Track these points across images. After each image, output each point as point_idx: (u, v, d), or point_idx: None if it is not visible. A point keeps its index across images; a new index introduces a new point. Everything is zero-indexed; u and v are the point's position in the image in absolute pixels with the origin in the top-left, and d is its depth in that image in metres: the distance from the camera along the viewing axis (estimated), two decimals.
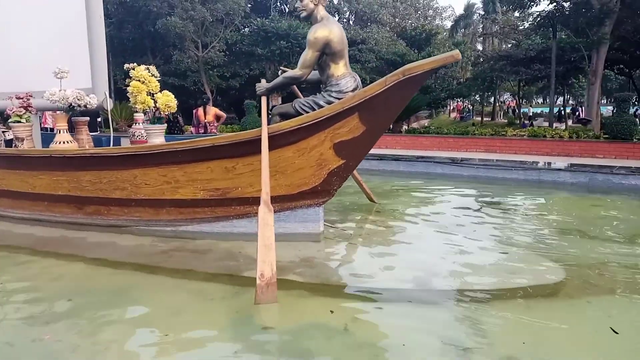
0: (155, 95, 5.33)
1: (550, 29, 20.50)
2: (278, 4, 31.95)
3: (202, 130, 10.18)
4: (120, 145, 6.49)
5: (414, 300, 3.32)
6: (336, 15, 33.15)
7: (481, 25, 44.76)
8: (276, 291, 3.26)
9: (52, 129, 11.53)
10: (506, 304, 3.32)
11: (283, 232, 4.55)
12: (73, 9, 5.83)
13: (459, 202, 7.00)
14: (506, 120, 34.02)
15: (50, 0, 6.00)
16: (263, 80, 4.92)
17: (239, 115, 24.98)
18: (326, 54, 4.39)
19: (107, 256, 4.38)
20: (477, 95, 37.07)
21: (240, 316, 3.09)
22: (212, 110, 10.46)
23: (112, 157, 4.75)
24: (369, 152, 4.76)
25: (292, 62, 22.56)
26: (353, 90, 4.36)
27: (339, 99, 4.29)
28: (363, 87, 4.24)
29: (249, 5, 26.21)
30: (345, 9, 34.23)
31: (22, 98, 5.33)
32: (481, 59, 31.13)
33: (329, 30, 4.32)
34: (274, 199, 3.87)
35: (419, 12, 41.01)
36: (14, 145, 5.50)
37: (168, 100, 5.28)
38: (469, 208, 6.55)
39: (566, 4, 19.79)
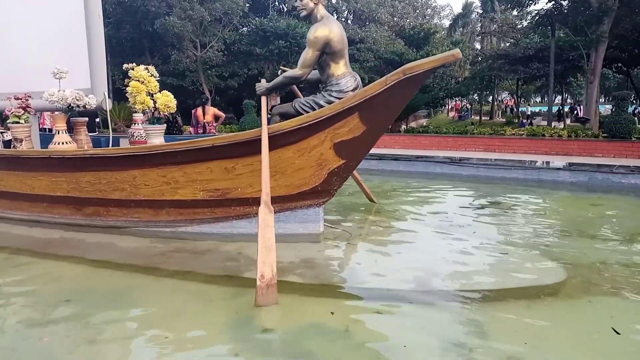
0: (154, 95, 5.31)
1: (549, 27, 20.50)
2: (276, 3, 31.91)
3: (201, 131, 10.17)
4: (119, 145, 6.47)
5: (415, 301, 3.31)
6: (334, 14, 33.08)
7: (479, 24, 44.75)
8: (276, 293, 3.25)
9: (50, 130, 11.51)
10: (507, 304, 3.31)
11: (283, 232, 4.54)
12: (72, 9, 5.81)
13: (459, 202, 6.99)
14: (504, 120, 34.03)
15: (49, 0, 5.98)
16: (263, 80, 4.91)
17: (237, 115, 24.94)
18: (326, 53, 4.38)
19: (106, 257, 4.36)
20: (476, 95, 37.08)
21: (240, 317, 3.07)
22: (211, 110, 10.45)
23: (111, 158, 4.73)
24: (369, 152, 4.75)
25: (291, 61, 22.55)
26: (353, 90, 4.35)
27: (339, 98, 4.28)
28: (363, 87, 4.23)
29: (248, 5, 26.10)
30: (343, 8, 34.16)
31: (20, 99, 5.31)
32: (479, 58, 31.12)
33: (329, 29, 4.31)
34: (274, 200, 3.86)
35: (417, 11, 41.02)
36: (12, 146, 5.48)
37: (167, 101, 5.26)
38: (468, 208, 6.54)
39: (565, 3, 19.80)
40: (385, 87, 3.89)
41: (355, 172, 5.91)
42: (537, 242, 4.78)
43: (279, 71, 5.22)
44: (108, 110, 5.85)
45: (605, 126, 12.96)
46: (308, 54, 4.35)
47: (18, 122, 5.33)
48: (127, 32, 24.94)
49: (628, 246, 4.71)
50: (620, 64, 24.52)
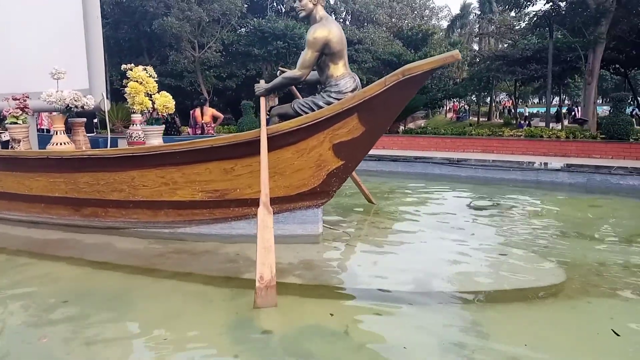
0: (153, 96, 5.30)
1: (547, 28, 20.52)
2: (274, 4, 31.89)
3: (199, 131, 10.17)
4: (117, 146, 6.45)
5: (414, 302, 3.31)
6: (333, 15, 33.10)
7: (477, 25, 44.86)
8: (276, 294, 3.24)
9: (48, 130, 11.47)
10: (507, 306, 3.31)
11: (282, 233, 4.53)
12: (70, 10, 5.79)
13: (458, 203, 6.99)
14: (502, 121, 34.06)
15: (48, 0, 5.96)
16: (262, 81, 4.89)
17: (235, 116, 24.91)
18: (325, 54, 4.37)
19: (105, 258, 4.34)
20: (474, 96, 37.11)
21: (240, 318, 3.06)
22: (209, 111, 10.45)
23: (110, 159, 4.72)
24: (368, 153, 4.74)
25: (289, 62, 22.54)
26: (352, 91, 4.35)
27: (338, 99, 4.27)
28: (362, 88, 4.22)
29: (246, 6, 26.11)
30: (342, 9, 34.20)
31: (18, 99, 5.29)
32: (477, 59, 31.15)
33: (328, 30, 4.31)
34: (273, 201, 3.85)
35: (416, 12, 41.00)
36: (10, 146, 5.46)
37: (166, 101, 5.24)
38: (467, 209, 6.55)
39: (562, 4, 19.85)
40: (385, 88, 3.88)
41: (354, 173, 5.91)
42: (536, 243, 4.78)
43: (278, 72, 5.22)
44: (106, 110, 5.84)
45: (603, 127, 12.97)
46: (307, 55, 4.34)
47: (16, 123, 5.31)
48: (125, 33, 24.93)
49: (627, 247, 4.71)
50: (617, 66, 24.59)
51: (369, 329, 2.98)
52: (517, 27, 28.81)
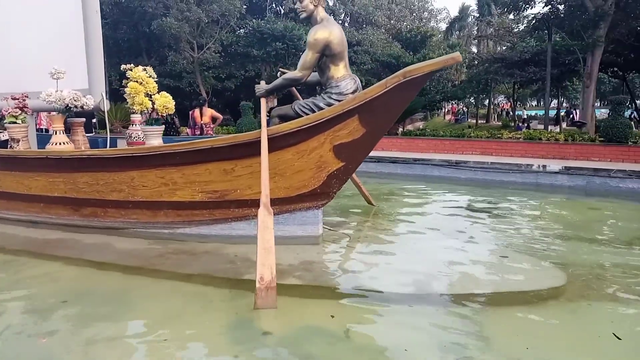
0: (152, 96, 5.29)
1: (545, 31, 20.56)
2: (274, 5, 31.92)
3: (199, 132, 10.17)
4: (116, 146, 6.44)
5: (415, 304, 3.30)
6: (331, 17, 33.05)
7: (476, 28, 44.89)
8: (276, 296, 3.22)
9: (46, 130, 11.45)
10: (507, 308, 3.31)
11: (282, 234, 4.53)
12: (70, 10, 5.78)
13: (457, 205, 6.99)
14: (500, 123, 34.11)
15: (48, 0, 5.95)
16: (262, 82, 4.89)
17: (234, 117, 24.91)
18: (326, 55, 4.37)
19: (104, 258, 4.33)
20: (472, 98, 37.16)
21: (240, 319, 3.05)
22: (209, 112, 10.45)
23: (109, 159, 4.70)
24: (368, 155, 4.74)
25: (288, 63, 22.54)
26: (353, 92, 4.34)
27: (339, 100, 4.27)
28: (362, 89, 4.22)
29: (245, 7, 26.11)
30: (340, 10, 34.23)
31: (17, 99, 5.28)
32: (476, 62, 31.20)
33: (329, 31, 4.31)
34: (273, 202, 3.84)
35: (414, 14, 41.08)
36: (9, 146, 5.45)
37: (166, 102, 5.24)
38: (467, 211, 6.55)
39: (561, 7, 19.87)
40: (386, 90, 3.88)
41: (354, 174, 5.91)
42: (536, 246, 4.78)
43: (278, 73, 5.21)
44: (106, 111, 5.83)
45: (602, 130, 13.00)
46: (308, 56, 4.34)
47: (15, 122, 5.30)
48: (124, 33, 24.92)
49: (627, 250, 4.71)
50: (616, 69, 24.64)
51: (369, 330, 2.98)
52: (515, 30, 28.92)
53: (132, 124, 5.80)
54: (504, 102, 48.70)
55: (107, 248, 4.66)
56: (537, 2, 20.37)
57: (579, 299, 3.42)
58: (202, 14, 23.13)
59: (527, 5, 20.89)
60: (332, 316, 3.09)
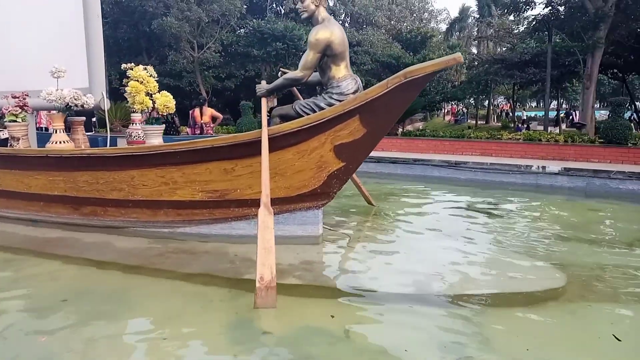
0: (153, 95, 5.29)
1: (545, 32, 20.57)
2: (274, 5, 31.93)
3: (199, 131, 10.17)
4: (116, 145, 6.44)
5: (415, 305, 3.30)
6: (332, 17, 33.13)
7: (476, 29, 44.92)
8: (276, 295, 3.22)
9: (46, 129, 11.45)
10: (508, 309, 3.31)
11: (282, 234, 4.52)
12: (71, 9, 5.79)
13: (457, 206, 6.99)
14: (500, 124, 34.12)
15: (48, 0, 5.95)
16: (263, 82, 4.89)
17: (234, 117, 24.90)
18: (327, 55, 4.37)
19: (104, 257, 4.32)
20: (472, 99, 37.18)
21: (240, 319, 3.05)
22: (209, 111, 10.45)
23: (110, 158, 4.70)
24: (368, 155, 4.74)
25: (288, 63, 22.53)
26: (354, 93, 4.34)
27: (339, 100, 4.27)
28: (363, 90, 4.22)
29: (245, 7, 26.13)
30: (341, 11, 34.27)
31: (18, 97, 5.28)
32: (476, 62, 31.22)
33: (330, 31, 4.30)
34: (273, 201, 3.84)
35: (414, 15, 41.10)
36: (9, 144, 5.44)
37: (166, 101, 5.24)
38: (467, 212, 6.55)
39: (561, 8, 19.89)
40: (387, 90, 3.88)
41: (354, 174, 5.90)
42: (536, 247, 4.78)
43: (279, 73, 5.21)
44: (106, 109, 5.82)
45: (602, 132, 13.01)
46: (309, 56, 4.33)
47: (15, 121, 5.30)
48: (124, 32, 24.92)
49: (627, 251, 4.71)
50: (616, 70, 24.67)
51: (369, 330, 2.97)
52: (515, 31, 28.92)
53: (133, 123, 5.79)
54: (504, 103, 48.75)
55: (107, 247, 4.65)
56: (537, 4, 20.41)
57: (579, 300, 3.42)
58: (203, 14, 23.14)
59: (527, 7, 20.92)
60: (332, 316, 3.09)
